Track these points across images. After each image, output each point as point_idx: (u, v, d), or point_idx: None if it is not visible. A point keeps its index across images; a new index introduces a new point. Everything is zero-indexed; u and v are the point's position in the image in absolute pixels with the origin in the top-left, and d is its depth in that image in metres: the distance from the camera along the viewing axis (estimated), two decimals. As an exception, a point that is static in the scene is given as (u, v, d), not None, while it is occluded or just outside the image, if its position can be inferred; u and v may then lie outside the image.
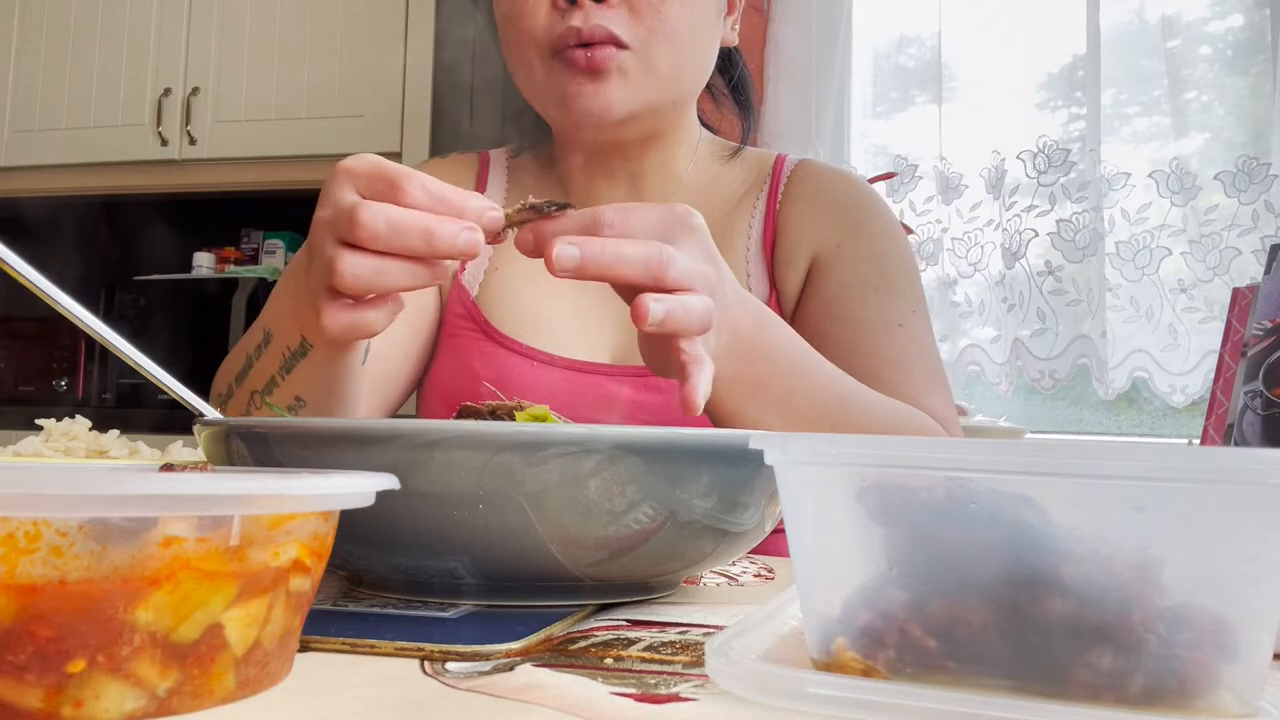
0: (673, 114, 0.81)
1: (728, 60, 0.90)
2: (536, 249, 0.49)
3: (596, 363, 0.81)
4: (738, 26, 0.85)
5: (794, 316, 0.83)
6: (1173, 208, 2.00)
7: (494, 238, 0.50)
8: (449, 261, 0.50)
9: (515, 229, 0.51)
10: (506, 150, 0.93)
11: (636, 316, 0.47)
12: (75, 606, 0.24)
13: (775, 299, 0.83)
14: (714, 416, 0.60)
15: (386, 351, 0.79)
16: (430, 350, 0.86)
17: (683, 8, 0.74)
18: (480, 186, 0.90)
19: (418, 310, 0.83)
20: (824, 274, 0.82)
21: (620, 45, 0.73)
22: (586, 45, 0.72)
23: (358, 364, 0.61)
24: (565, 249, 0.47)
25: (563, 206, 0.50)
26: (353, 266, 0.47)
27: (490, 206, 0.49)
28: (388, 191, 0.48)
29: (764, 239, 0.85)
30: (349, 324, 0.50)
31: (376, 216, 0.47)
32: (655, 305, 0.47)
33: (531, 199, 0.51)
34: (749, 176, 0.89)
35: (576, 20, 0.72)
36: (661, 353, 0.52)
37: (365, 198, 0.48)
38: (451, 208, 0.48)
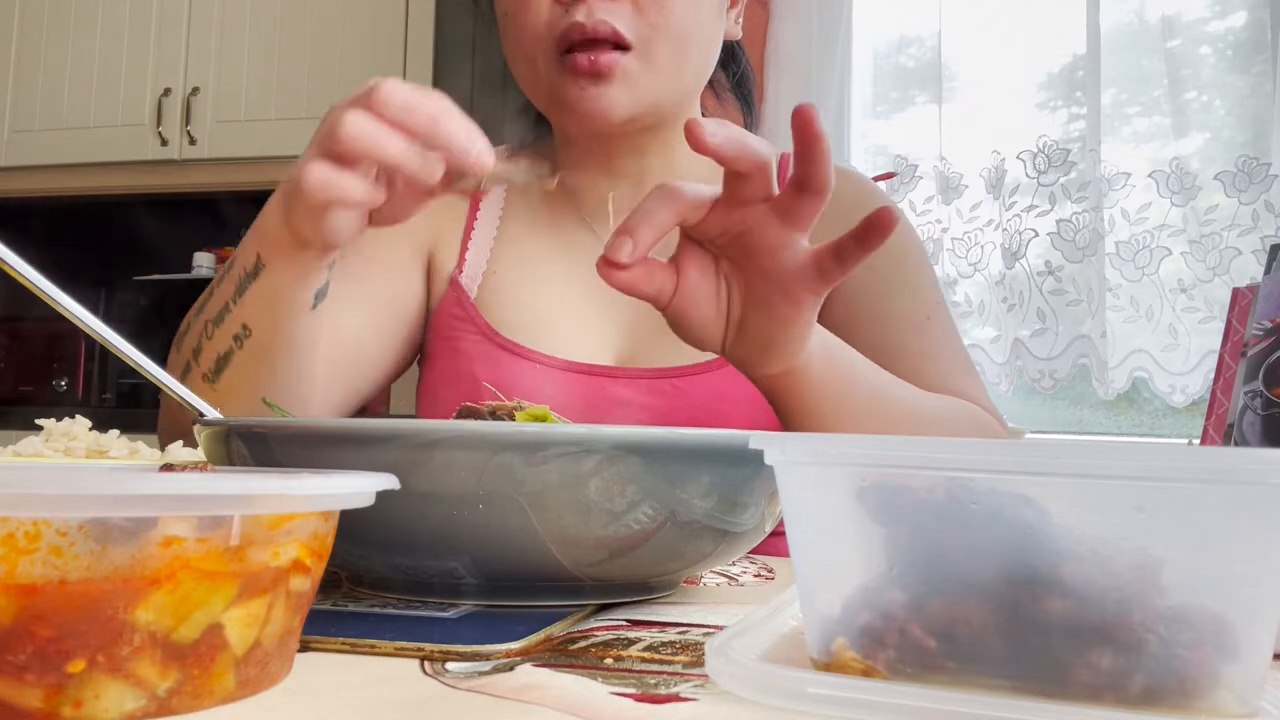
0: (676, 110, 0.81)
1: (730, 55, 0.89)
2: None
3: (600, 365, 0.80)
4: (741, 20, 0.84)
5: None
6: (1173, 208, 2.00)
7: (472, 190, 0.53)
8: (438, 171, 0.51)
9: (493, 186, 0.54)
10: (506, 148, 0.93)
11: (801, 118, 0.47)
12: (75, 606, 0.24)
13: None
14: (807, 425, 0.60)
15: (357, 334, 0.77)
16: (412, 346, 0.85)
17: (686, 3, 0.74)
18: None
19: (398, 298, 0.82)
20: (834, 297, 0.81)
21: (623, 46, 0.72)
22: (589, 44, 0.72)
23: (306, 305, 0.61)
24: (711, 125, 0.47)
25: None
26: (357, 120, 0.49)
27: (487, 149, 0.52)
28: (387, 107, 0.50)
29: None
30: (328, 180, 0.51)
31: (396, 90, 0.49)
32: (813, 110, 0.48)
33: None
34: None
35: (580, 15, 0.72)
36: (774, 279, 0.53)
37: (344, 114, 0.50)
38: (467, 130, 0.51)
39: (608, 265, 0.50)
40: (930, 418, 0.67)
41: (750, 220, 0.51)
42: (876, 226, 0.50)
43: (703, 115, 0.88)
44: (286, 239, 0.56)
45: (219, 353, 0.62)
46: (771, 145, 0.50)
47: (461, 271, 0.85)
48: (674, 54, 0.75)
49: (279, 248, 0.57)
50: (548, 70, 0.75)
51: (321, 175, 0.51)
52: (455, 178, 0.52)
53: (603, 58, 0.72)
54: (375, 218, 0.56)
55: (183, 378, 0.62)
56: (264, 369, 0.62)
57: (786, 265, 0.52)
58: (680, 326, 0.55)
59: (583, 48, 0.72)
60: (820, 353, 0.58)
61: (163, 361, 0.44)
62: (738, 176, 0.50)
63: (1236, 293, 0.56)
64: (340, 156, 0.51)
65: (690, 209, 0.50)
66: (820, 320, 0.81)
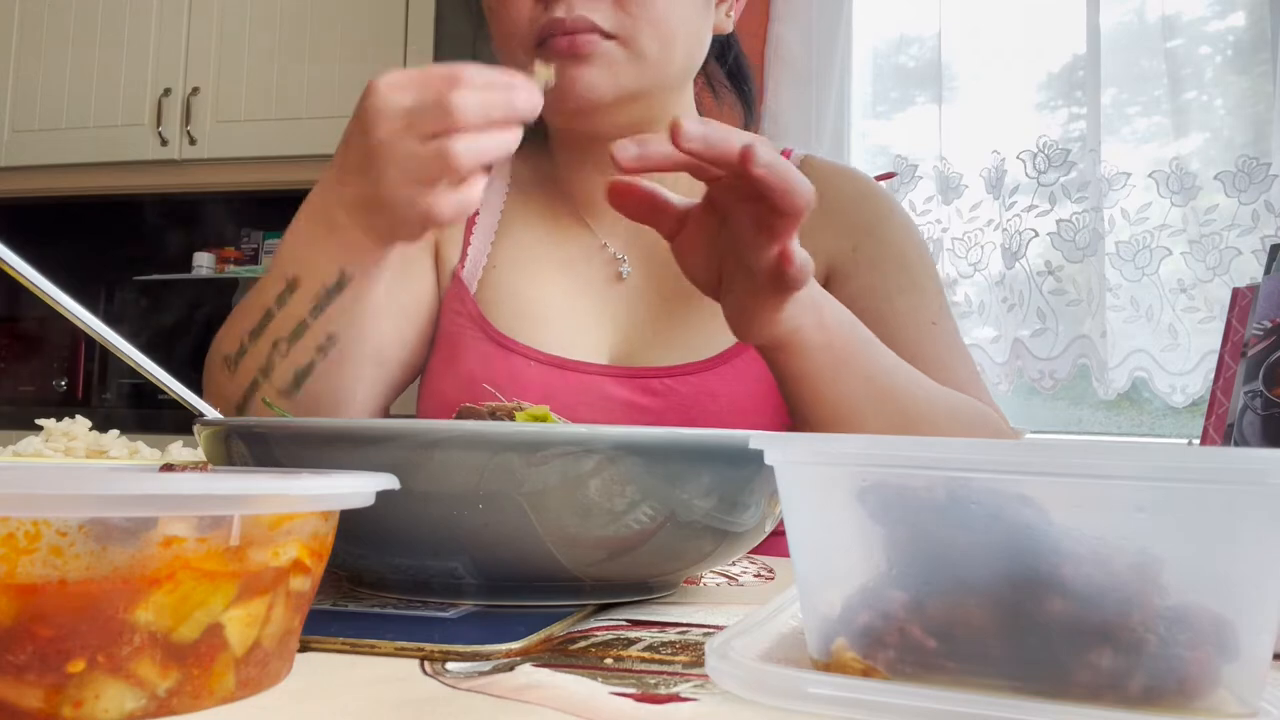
0: (663, 102, 0.80)
1: (724, 49, 0.89)
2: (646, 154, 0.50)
3: (594, 363, 0.80)
4: (733, 14, 0.83)
5: None
6: (1173, 208, 2.00)
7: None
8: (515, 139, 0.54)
9: None
10: None
11: (744, 157, 0.48)
12: (75, 606, 0.24)
13: None
14: (802, 394, 0.60)
15: (384, 341, 0.78)
16: (427, 346, 0.86)
17: None
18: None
19: (416, 299, 0.83)
20: (843, 280, 0.81)
21: (605, 35, 0.72)
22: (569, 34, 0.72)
23: (382, 294, 0.64)
24: (691, 125, 0.49)
25: None
26: (463, 146, 0.52)
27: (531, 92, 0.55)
28: (448, 85, 0.52)
29: None
30: (461, 203, 0.55)
31: (467, 99, 0.52)
32: (762, 150, 0.48)
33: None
34: None
35: (560, 11, 0.72)
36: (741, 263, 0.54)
37: (420, 101, 0.53)
38: (503, 85, 0.54)
39: (616, 173, 0.51)
40: (943, 412, 0.66)
41: (735, 214, 0.53)
42: (789, 279, 0.52)
43: (699, 114, 0.88)
44: (375, 245, 0.58)
45: (298, 366, 0.63)
46: (768, 142, 0.50)
47: (463, 266, 0.85)
48: (658, 43, 0.74)
49: (366, 256, 0.59)
50: (525, 62, 0.74)
51: (453, 203, 0.54)
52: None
53: (582, 38, 0.72)
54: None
55: (246, 398, 0.63)
56: (346, 370, 0.64)
57: (760, 264, 0.52)
58: (681, 266, 0.58)
59: (561, 34, 0.72)
60: (815, 332, 0.58)
61: (163, 362, 0.44)
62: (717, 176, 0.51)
63: (1236, 293, 0.56)
64: (456, 178, 0.54)
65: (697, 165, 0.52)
66: None
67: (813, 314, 0.58)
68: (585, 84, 0.73)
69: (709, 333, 0.80)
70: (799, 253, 0.52)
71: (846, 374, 0.60)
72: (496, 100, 0.53)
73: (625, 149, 0.49)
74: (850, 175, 0.87)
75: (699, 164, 0.51)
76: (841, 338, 0.60)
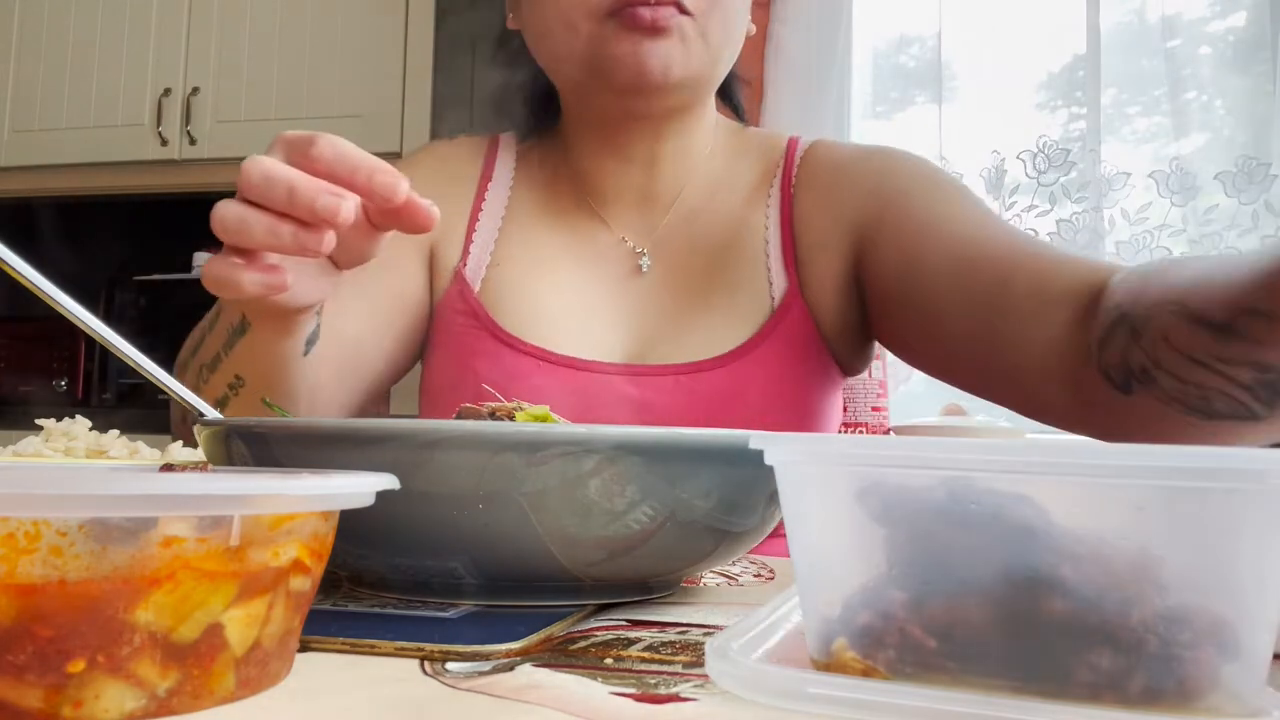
0: (704, 93, 0.80)
1: None
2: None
3: (607, 362, 0.79)
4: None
5: (895, 299, 0.76)
6: (1173, 208, 2.00)
7: (390, 214, 0.50)
8: (327, 239, 0.47)
9: None
10: (516, 135, 0.91)
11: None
12: (75, 606, 0.24)
13: (797, 291, 0.80)
14: None
15: (358, 336, 0.76)
16: (416, 343, 0.84)
17: None
18: (488, 170, 0.88)
19: (399, 296, 0.81)
20: (876, 242, 0.77)
21: (683, 10, 0.72)
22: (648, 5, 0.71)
23: (297, 354, 0.60)
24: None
25: None
26: (223, 211, 0.47)
27: (392, 174, 0.48)
28: (302, 146, 0.48)
29: (781, 230, 0.82)
30: (217, 275, 0.49)
31: (255, 167, 0.46)
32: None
33: None
34: (761, 163, 0.86)
35: None
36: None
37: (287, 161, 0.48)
38: (347, 167, 0.47)
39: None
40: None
41: None
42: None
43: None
44: (267, 306, 0.54)
45: (215, 398, 0.62)
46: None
47: (465, 264, 0.83)
48: (724, 30, 0.75)
49: (261, 311, 0.55)
50: (592, 32, 0.73)
51: (212, 273, 0.49)
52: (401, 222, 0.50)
53: (663, 12, 0.71)
54: (341, 262, 0.55)
55: (184, 413, 0.63)
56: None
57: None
58: None
59: (642, 5, 0.71)
60: None
61: (163, 363, 0.44)
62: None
63: (1236, 293, 0.56)
64: (234, 249, 0.49)
65: None
66: (905, 300, 0.75)
67: None
68: (662, 59, 0.72)
69: (724, 328, 0.79)
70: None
71: None
72: (284, 182, 0.45)
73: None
74: (864, 154, 0.84)
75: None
76: None
